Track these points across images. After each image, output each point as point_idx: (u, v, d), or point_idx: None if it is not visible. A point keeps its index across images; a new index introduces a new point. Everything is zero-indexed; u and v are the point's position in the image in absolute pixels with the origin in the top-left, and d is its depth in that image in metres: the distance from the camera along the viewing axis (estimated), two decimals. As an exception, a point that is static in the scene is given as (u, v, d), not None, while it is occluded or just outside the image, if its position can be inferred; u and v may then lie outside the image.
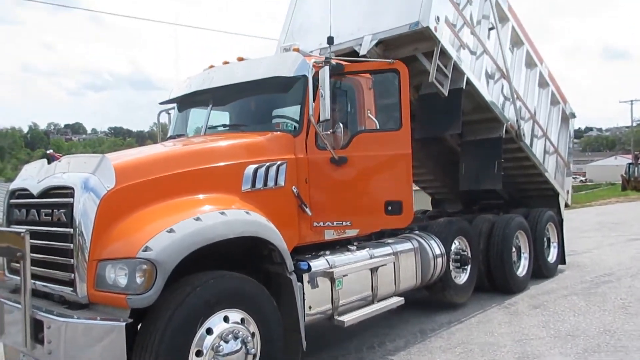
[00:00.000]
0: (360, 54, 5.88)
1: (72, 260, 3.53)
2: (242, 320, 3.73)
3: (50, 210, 3.79)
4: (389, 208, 4.63)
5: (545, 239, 8.70)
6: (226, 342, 3.57)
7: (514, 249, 7.70)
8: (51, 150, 4.35)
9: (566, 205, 9.85)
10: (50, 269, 3.75)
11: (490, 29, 7.66)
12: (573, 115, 10.36)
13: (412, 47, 6.30)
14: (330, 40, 4.58)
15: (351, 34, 6.17)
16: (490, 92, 7.56)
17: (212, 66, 5.51)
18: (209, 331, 3.51)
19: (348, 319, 4.61)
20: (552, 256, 8.88)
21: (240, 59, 5.24)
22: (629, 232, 14.14)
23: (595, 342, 5.22)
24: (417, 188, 12.23)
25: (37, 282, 3.75)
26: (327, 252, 4.82)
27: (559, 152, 9.60)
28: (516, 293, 7.45)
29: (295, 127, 4.62)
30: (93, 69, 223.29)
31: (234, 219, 3.81)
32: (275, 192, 4.32)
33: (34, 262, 3.65)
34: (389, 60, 4.78)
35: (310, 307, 4.38)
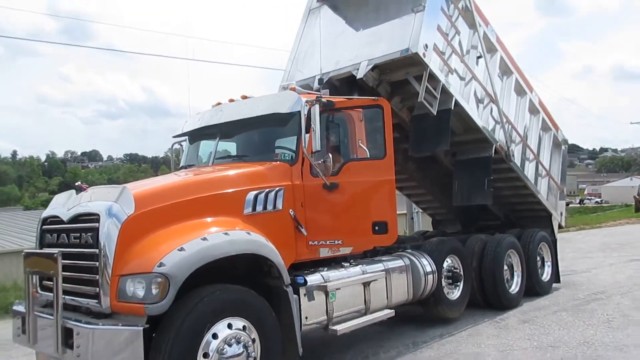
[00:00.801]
0: (357, 77, 6.65)
1: (97, 276, 4.12)
2: (244, 327, 4.26)
3: (78, 234, 4.39)
4: (376, 228, 5.21)
5: (538, 258, 9.09)
6: (230, 346, 4.10)
7: (506, 267, 8.13)
8: (79, 183, 4.96)
9: (560, 227, 10.25)
10: (78, 285, 4.33)
11: (479, 57, 8.29)
12: (565, 142, 10.86)
13: (404, 71, 7.03)
14: (320, 81, 5.24)
15: (350, 60, 6.95)
16: (480, 115, 8.13)
17: (219, 103, 6.17)
18: (215, 336, 4.05)
19: (341, 328, 5.10)
20: (546, 275, 9.26)
21: (244, 97, 5.90)
22: (632, 253, 14.33)
23: (573, 352, 5.64)
24: (421, 210, 12.78)
25: (66, 297, 4.33)
26: (324, 269, 5.34)
27: (551, 175, 10.06)
28: (508, 309, 7.84)
29: (292, 157, 5.22)
30: (108, 98, 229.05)
31: (237, 239, 4.38)
32: (273, 215, 4.89)
33: (64, 279, 4.24)
34: (374, 98, 5.40)
35: (307, 318, 4.89)
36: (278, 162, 5.22)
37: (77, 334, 3.92)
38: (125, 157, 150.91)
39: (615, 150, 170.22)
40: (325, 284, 5.08)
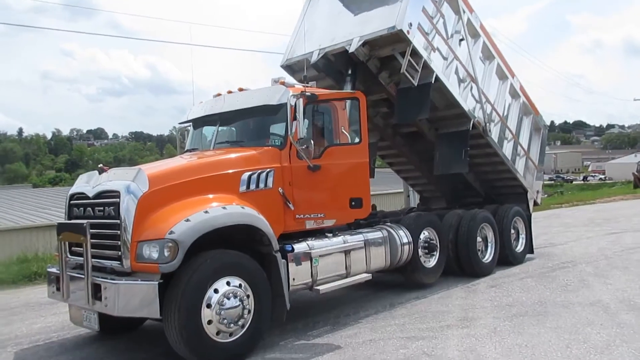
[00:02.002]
0: (349, 51, 7.73)
1: (119, 242, 5.02)
2: (240, 285, 5.16)
3: (102, 208, 5.29)
4: (353, 203, 6.11)
5: (513, 231, 9.96)
6: (228, 299, 5.01)
7: (480, 239, 9.01)
8: (101, 165, 5.85)
9: (535, 204, 11.08)
10: (102, 249, 5.24)
11: (461, 40, 9.13)
12: (545, 127, 11.72)
13: (391, 47, 8.02)
14: (305, 78, 6.03)
15: (344, 37, 8.01)
16: (460, 93, 9.02)
17: (219, 94, 7.00)
18: (216, 291, 4.96)
19: (323, 288, 6.02)
20: (520, 246, 10.15)
21: (241, 89, 6.74)
22: (612, 227, 15.14)
23: (524, 309, 6.54)
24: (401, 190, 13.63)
25: (93, 260, 5.24)
26: (310, 239, 6.23)
27: (529, 156, 10.88)
28: (481, 276, 8.73)
29: (281, 142, 6.08)
30: (112, 75, 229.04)
31: (233, 212, 5.28)
32: (265, 192, 5.77)
33: (91, 245, 5.14)
34: (351, 91, 6.21)
35: (294, 279, 5.80)
36: (269, 147, 6.08)
37: (105, 288, 4.85)
38: (130, 135, 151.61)
39: (622, 127, 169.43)
40: (309, 251, 5.97)
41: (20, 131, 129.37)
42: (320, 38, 8.39)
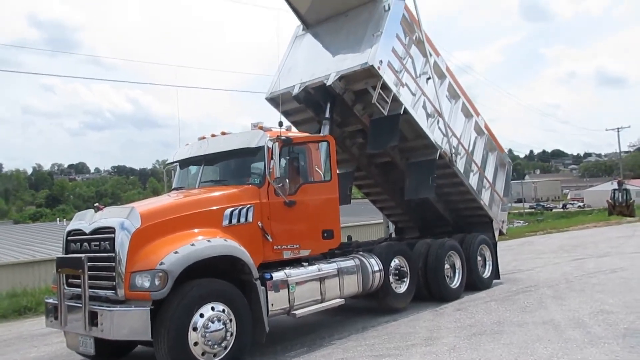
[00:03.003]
0: (327, 84, 8.66)
1: (114, 273, 5.60)
2: (223, 310, 5.75)
3: (98, 243, 5.88)
4: (325, 234, 6.81)
5: (479, 258, 10.67)
6: (212, 322, 5.60)
7: (448, 266, 9.69)
8: (97, 204, 6.46)
9: (501, 233, 11.86)
10: (98, 280, 5.80)
11: (428, 78, 10.07)
12: (510, 163, 12.65)
13: (364, 81, 8.98)
14: (280, 123, 6.76)
15: (322, 72, 8.97)
16: (428, 126, 9.91)
17: (204, 137, 7.71)
18: (202, 315, 5.54)
19: (299, 312, 6.64)
20: (487, 272, 10.85)
21: (223, 133, 7.46)
22: (579, 253, 15.94)
23: (483, 329, 7.19)
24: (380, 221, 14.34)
25: (89, 290, 5.79)
26: (287, 268, 6.85)
27: (495, 189, 11.71)
28: (449, 301, 9.37)
29: (260, 181, 6.76)
30: (94, 109, 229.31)
31: (216, 244, 5.91)
32: (245, 226, 6.42)
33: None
34: (322, 135, 6.98)
35: (272, 305, 6.40)
36: (249, 185, 6.75)
37: (101, 315, 5.41)
38: (112, 169, 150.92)
39: (599, 155, 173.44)
40: (287, 279, 6.60)
41: (0, 167, 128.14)
42: (301, 74, 9.37)
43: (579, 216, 45.03)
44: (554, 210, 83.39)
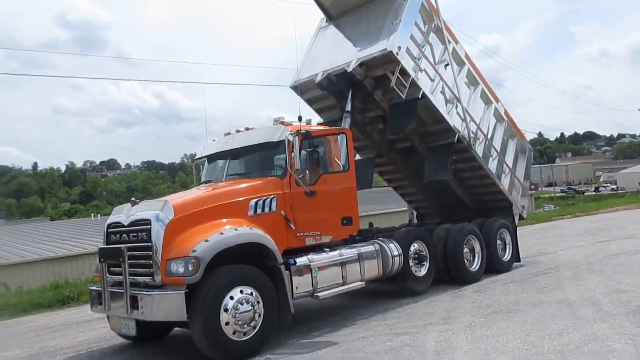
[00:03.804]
0: (348, 70, 9.20)
1: (151, 261, 6.13)
2: (251, 293, 6.22)
3: (136, 234, 6.41)
4: (344, 221, 7.23)
5: (499, 241, 10.93)
6: (242, 304, 6.08)
7: (467, 250, 10.00)
8: (134, 198, 7.00)
9: (521, 218, 12.06)
10: (137, 268, 6.34)
11: (446, 65, 10.34)
12: (531, 150, 12.83)
13: (383, 67, 9.43)
14: (300, 118, 7.16)
15: (344, 60, 9.51)
16: (447, 111, 10.24)
17: (229, 133, 8.19)
18: (231, 298, 6.03)
19: (322, 294, 7.07)
20: (507, 255, 11.10)
21: (247, 129, 7.93)
22: (604, 236, 15.95)
23: (499, 308, 7.51)
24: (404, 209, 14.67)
25: (129, 277, 6.34)
26: (310, 253, 7.29)
27: (515, 174, 11.91)
28: (469, 283, 9.68)
29: (282, 173, 7.20)
30: (122, 106, 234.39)
31: (243, 233, 6.38)
32: (270, 216, 6.87)
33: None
34: (340, 127, 7.38)
35: (297, 288, 6.85)
36: (272, 177, 7.20)
37: (141, 299, 5.95)
38: (142, 164, 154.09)
39: (633, 136, 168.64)
40: (310, 264, 7.04)
41: (35, 165, 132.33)
42: (324, 62, 9.92)
43: (609, 199, 44.23)
44: (586, 193, 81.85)
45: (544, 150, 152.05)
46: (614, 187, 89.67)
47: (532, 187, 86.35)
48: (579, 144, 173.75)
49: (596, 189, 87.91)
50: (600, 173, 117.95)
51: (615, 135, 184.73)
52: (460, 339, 6.14)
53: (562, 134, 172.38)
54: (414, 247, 9.09)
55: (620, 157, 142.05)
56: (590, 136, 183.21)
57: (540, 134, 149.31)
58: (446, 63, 10.45)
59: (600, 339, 5.64)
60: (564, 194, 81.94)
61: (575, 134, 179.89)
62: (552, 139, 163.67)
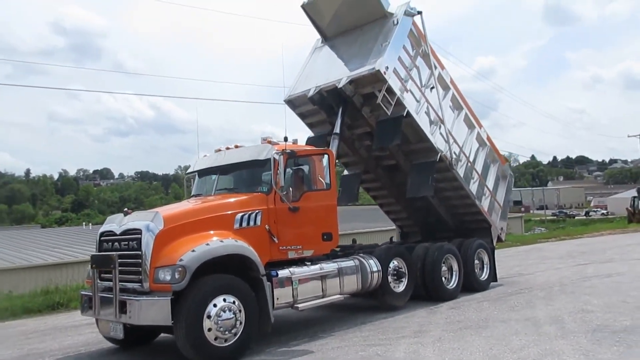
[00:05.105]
0: (338, 87, 9.84)
1: (140, 269, 6.52)
2: (234, 301, 6.61)
3: (127, 242, 6.81)
4: (324, 237, 7.65)
5: (477, 261, 11.37)
6: (224, 312, 6.46)
7: (445, 268, 10.43)
8: (126, 209, 7.41)
9: (499, 240, 12.52)
10: (126, 275, 6.72)
11: (432, 88, 10.92)
12: (512, 176, 13.37)
13: (371, 85, 10.02)
14: (285, 138, 7.64)
15: (335, 77, 10.15)
16: (431, 131, 10.81)
17: (219, 149, 8.64)
18: (215, 305, 6.41)
19: (302, 306, 7.48)
20: (485, 275, 11.53)
21: (237, 146, 8.39)
22: (584, 259, 16.40)
23: (470, 324, 7.92)
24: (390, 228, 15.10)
25: (119, 283, 6.71)
26: (292, 266, 7.69)
27: (495, 198, 12.42)
28: (445, 300, 10.09)
29: (267, 189, 7.63)
30: (117, 116, 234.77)
31: (228, 244, 6.80)
32: (254, 229, 7.29)
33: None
34: (323, 149, 7.88)
35: (277, 299, 7.24)
36: (258, 193, 7.64)
37: (130, 304, 6.33)
38: (136, 174, 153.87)
39: (625, 162, 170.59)
40: (291, 276, 7.44)
41: (28, 172, 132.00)
42: (317, 79, 10.58)
43: (597, 224, 44.84)
44: (576, 217, 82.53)
45: (536, 173, 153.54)
46: (604, 212, 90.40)
47: (523, 209, 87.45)
48: (572, 167, 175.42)
49: (587, 214, 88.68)
50: (592, 197, 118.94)
51: (607, 160, 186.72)
52: (428, 350, 6.55)
53: (554, 158, 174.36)
54: (393, 263, 9.51)
55: (612, 182, 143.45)
56: (582, 160, 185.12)
57: (533, 157, 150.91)
58: (432, 86, 11.04)
59: (556, 354, 6.06)
60: (555, 217, 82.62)
61: (568, 157, 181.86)
62: (545, 162, 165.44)
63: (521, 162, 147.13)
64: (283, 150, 7.50)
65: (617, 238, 26.44)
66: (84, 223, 55.55)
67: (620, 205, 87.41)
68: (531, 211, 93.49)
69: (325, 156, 8.08)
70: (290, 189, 7.45)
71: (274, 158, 7.54)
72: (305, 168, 7.98)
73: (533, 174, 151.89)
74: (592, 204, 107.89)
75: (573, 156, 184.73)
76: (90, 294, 7.03)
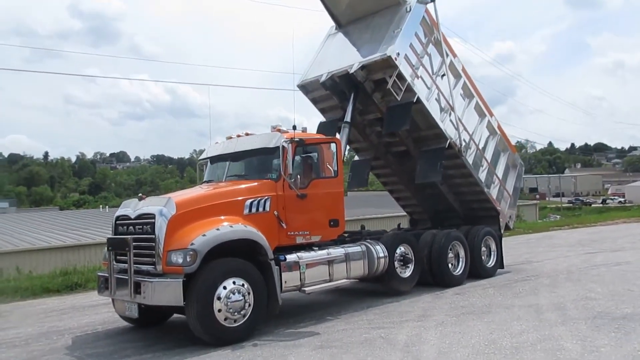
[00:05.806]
0: (350, 72, 10.07)
1: (153, 252, 6.81)
2: (243, 284, 6.88)
3: (141, 226, 7.10)
4: (331, 223, 7.87)
5: (484, 248, 11.51)
6: (233, 294, 6.73)
7: (452, 255, 10.60)
8: (141, 194, 7.68)
9: (507, 228, 12.63)
10: (140, 257, 7.01)
11: (443, 75, 11.03)
12: (522, 165, 13.42)
13: (382, 71, 10.21)
14: (294, 127, 7.83)
15: (347, 63, 10.37)
16: (440, 118, 10.95)
17: (230, 137, 8.87)
18: (224, 288, 6.69)
19: (309, 289, 7.73)
20: (491, 262, 11.68)
21: (247, 134, 8.61)
22: (593, 248, 16.45)
23: (472, 309, 8.12)
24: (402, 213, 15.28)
25: (134, 265, 7.01)
26: (300, 251, 7.94)
27: (504, 186, 12.50)
28: (451, 286, 10.26)
29: (276, 176, 7.85)
30: (133, 99, 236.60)
31: (238, 229, 7.05)
32: (263, 215, 7.53)
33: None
34: (331, 137, 8.05)
35: (285, 282, 7.50)
36: (267, 180, 7.86)
37: (144, 285, 6.63)
38: (152, 158, 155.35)
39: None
40: (298, 261, 7.69)
41: (46, 155, 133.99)
42: (329, 65, 10.80)
43: (613, 212, 44.46)
44: (592, 205, 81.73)
45: (553, 160, 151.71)
46: (622, 199, 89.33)
47: (538, 196, 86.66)
48: (590, 155, 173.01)
49: (603, 201, 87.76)
50: (609, 185, 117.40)
51: (626, 147, 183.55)
52: (430, 334, 6.77)
53: (572, 145, 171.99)
54: (400, 250, 9.71)
55: (630, 170, 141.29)
56: (601, 148, 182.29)
57: (550, 144, 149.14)
58: (443, 74, 11.12)
59: (554, 339, 6.24)
60: (571, 205, 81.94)
61: (586, 145, 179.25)
62: (563, 149, 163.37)
63: (538, 149, 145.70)
64: (292, 138, 7.69)
65: (631, 227, 26.30)
66: (101, 206, 56.56)
67: (638, 193, 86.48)
68: (547, 198, 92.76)
69: (333, 144, 8.27)
70: (299, 176, 7.66)
71: (283, 146, 7.74)
72: (314, 156, 8.17)
73: (550, 161, 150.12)
74: (609, 192, 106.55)
75: (591, 143, 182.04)
76: (107, 275, 7.34)
